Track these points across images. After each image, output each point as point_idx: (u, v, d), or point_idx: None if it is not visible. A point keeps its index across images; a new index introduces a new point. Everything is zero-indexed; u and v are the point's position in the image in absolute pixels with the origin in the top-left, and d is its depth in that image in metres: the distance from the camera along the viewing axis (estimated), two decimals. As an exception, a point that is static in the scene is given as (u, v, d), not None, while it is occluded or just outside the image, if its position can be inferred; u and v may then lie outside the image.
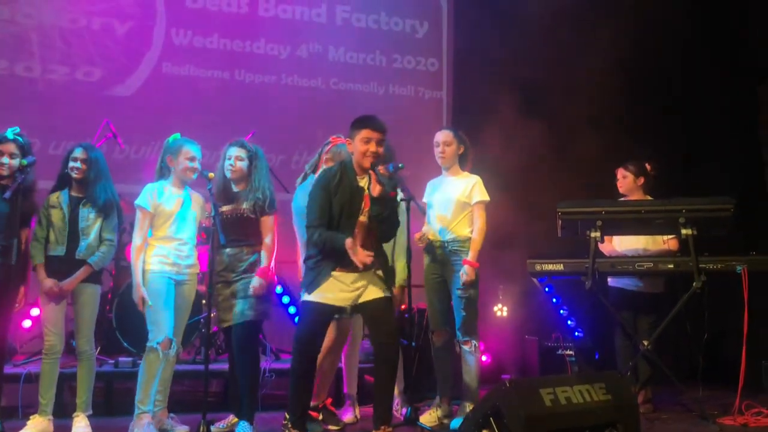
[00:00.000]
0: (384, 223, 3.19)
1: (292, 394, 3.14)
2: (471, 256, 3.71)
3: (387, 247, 3.75)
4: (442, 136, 3.89)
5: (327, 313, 3.18)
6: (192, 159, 3.59)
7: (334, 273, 3.14)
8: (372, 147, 3.15)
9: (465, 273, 3.68)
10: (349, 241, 3.04)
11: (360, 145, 3.16)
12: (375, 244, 3.21)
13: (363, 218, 3.17)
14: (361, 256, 3.03)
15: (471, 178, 3.86)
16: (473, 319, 3.74)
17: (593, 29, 5.98)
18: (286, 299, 5.20)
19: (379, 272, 3.21)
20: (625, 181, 4.36)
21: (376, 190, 3.12)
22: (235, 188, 3.64)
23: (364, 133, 3.16)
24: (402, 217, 3.80)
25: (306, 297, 3.16)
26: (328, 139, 3.85)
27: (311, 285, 3.15)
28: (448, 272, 3.80)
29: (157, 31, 5.80)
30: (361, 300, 3.18)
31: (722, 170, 5.62)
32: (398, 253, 3.74)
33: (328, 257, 3.14)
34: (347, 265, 3.12)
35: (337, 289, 3.14)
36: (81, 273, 3.52)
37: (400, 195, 3.28)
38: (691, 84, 6.01)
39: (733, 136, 5.91)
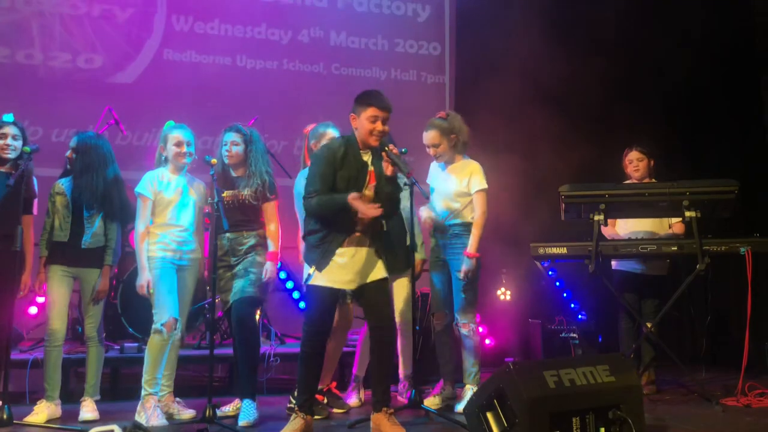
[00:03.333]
0: (390, 202, 3.19)
1: (301, 377, 3.14)
2: (471, 246, 3.69)
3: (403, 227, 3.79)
4: (429, 138, 3.80)
5: (334, 296, 3.18)
6: (179, 144, 3.58)
7: (338, 251, 3.11)
8: (379, 126, 3.13)
9: (465, 264, 3.67)
10: (353, 195, 3.04)
11: (367, 123, 3.13)
12: (378, 221, 3.19)
13: (369, 192, 3.16)
14: (368, 207, 3.02)
15: (468, 166, 3.81)
16: (472, 302, 3.74)
17: (596, 14, 5.93)
18: (289, 284, 5.22)
19: (382, 250, 3.19)
20: (642, 164, 4.30)
21: (389, 170, 3.13)
22: (234, 173, 3.64)
23: (371, 111, 3.13)
24: (405, 201, 3.82)
25: (313, 281, 3.14)
26: (303, 133, 3.85)
27: (318, 265, 3.12)
28: (450, 255, 3.80)
29: (157, 17, 5.77)
30: (369, 279, 3.17)
31: (726, 154, 5.60)
32: (417, 232, 3.88)
33: (331, 233, 3.12)
34: (351, 239, 3.11)
35: (343, 272, 3.13)
36: (105, 276, 3.61)
37: (403, 179, 3.29)
38: (695, 70, 5.96)
39: (737, 121, 5.88)
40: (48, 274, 3.59)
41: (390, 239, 3.29)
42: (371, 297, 3.18)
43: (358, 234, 3.14)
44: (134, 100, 5.41)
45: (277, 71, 5.98)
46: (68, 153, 3.65)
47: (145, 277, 3.45)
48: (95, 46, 5.60)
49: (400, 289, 3.89)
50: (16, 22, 5.44)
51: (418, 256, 3.88)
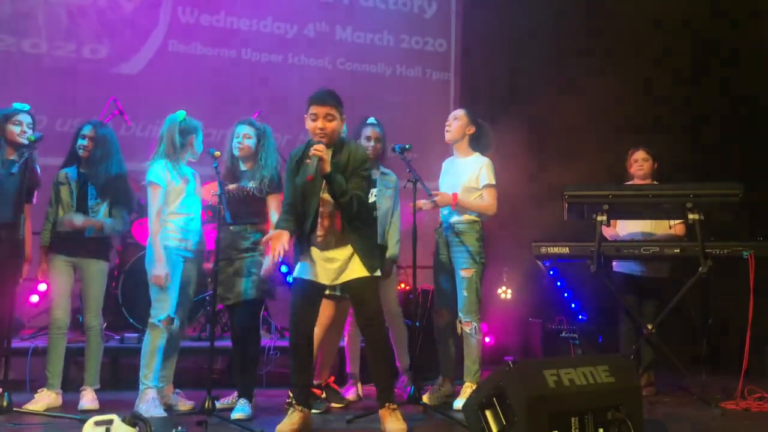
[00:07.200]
0: (336, 200, 3.06)
1: (293, 369, 3.17)
2: (464, 201, 3.69)
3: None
4: (455, 112, 3.92)
5: (311, 289, 3.15)
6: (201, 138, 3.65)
7: (312, 248, 3.13)
8: (319, 123, 3.05)
9: (441, 199, 3.67)
10: (276, 232, 3.03)
11: (309, 123, 3.10)
12: (345, 222, 3.10)
13: (326, 196, 3.10)
14: (272, 246, 3.00)
15: (479, 161, 3.82)
16: (474, 300, 3.73)
17: (607, 12, 5.91)
18: (290, 278, 5.22)
19: (358, 250, 3.11)
20: (646, 164, 4.32)
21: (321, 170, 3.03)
22: (243, 167, 3.65)
23: (310, 109, 3.09)
24: (387, 201, 3.80)
25: (295, 273, 3.19)
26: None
27: (295, 261, 3.20)
28: (453, 252, 3.80)
29: (163, 8, 5.76)
30: (344, 278, 3.13)
31: (730, 155, 5.59)
32: (391, 231, 3.82)
33: (301, 235, 3.17)
34: (316, 242, 3.12)
35: (317, 266, 3.13)
36: (94, 222, 3.58)
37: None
38: (697, 71, 5.95)
39: (740, 122, 5.86)
40: (49, 263, 3.60)
41: (365, 235, 3.17)
42: (356, 295, 3.16)
43: (320, 238, 3.12)
44: (139, 91, 5.40)
45: (282, 65, 5.97)
46: (85, 142, 3.63)
47: (163, 268, 3.40)
48: (101, 37, 5.59)
49: (384, 285, 3.89)
50: (22, 11, 5.43)
51: (388, 254, 3.80)
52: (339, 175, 3.04)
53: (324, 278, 3.15)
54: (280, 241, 2.99)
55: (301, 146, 3.23)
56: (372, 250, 3.19)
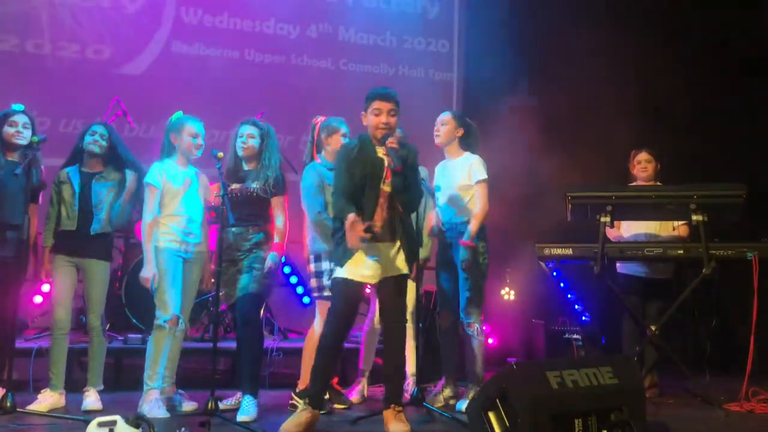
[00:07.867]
0: (404, 195, 3.17)
1: (316, 371, 3.14)
2: (468, 235, 3.69)
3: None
4: (441, 117, 3.93)
5: (357, 290, 3.17)
6: (195, 136, 3.59)
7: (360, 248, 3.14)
8: (383, 118, 3.16)
9: (461, 254, 3.67)
10: (350, 217, 3.04)
11: (372, 118, 3.18)
12: (400, 214, 3.19)
13: (387, 188, 3.16)
14: (356, 234, 3.01)
15: (470, 159, 3.83)
16: (477, 301, 3.73)
17: (607, 15, 5.90)
18: (293, 279, 5.23)
19: (404, 245, 3.18)
20: (650, 166, 4.31)
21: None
22: (246, 167, 3.65)
23: (375, 104, 3.17)
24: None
25: (336, 273, 3.18)
26: (312, 123, 3.84)
27: (340, 260, 3.16)
28: (456, 253, 3.80)
29: (167, 9, 5.77)
30: (385, 274, 3.17)
31: (733, 157, 5.57)
32: (424, 228, 3.85)
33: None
34: (368, 240, 3.12)
35: (364, 266, 3.14)
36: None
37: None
38: (699, 70, 5.94)
39: (744, 123, 5.85)
40: (52, 264, 3.61)
41: (412, 231, 3.27)
42: (388, 293, 3.18)
43: (377, 229, 3.14)
44: (142, 92, 5.41)
45: (284, 66, 5.98)
46: (98, 138, 3.65)
47: (151, 270, 3.43)
48: (104, 38, 5.60)
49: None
50: (26, 12, 5.45)
51: (422, 253, 3.83)
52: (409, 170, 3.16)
53: (368, 277, 3.16)
54: (358, 226, 3.01)
55: (353, 141, 3.30)
56: (414, 246, 3.27)
